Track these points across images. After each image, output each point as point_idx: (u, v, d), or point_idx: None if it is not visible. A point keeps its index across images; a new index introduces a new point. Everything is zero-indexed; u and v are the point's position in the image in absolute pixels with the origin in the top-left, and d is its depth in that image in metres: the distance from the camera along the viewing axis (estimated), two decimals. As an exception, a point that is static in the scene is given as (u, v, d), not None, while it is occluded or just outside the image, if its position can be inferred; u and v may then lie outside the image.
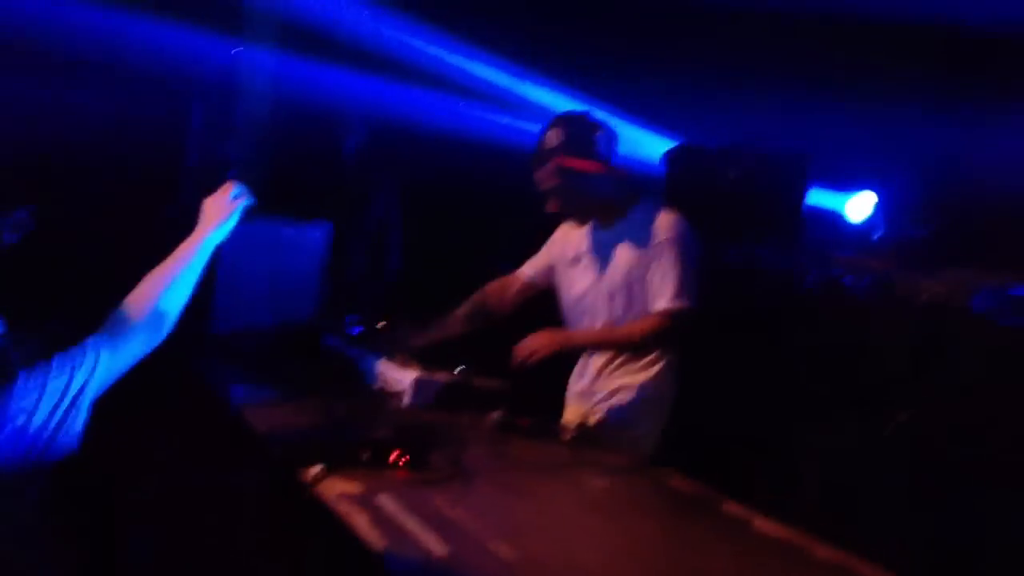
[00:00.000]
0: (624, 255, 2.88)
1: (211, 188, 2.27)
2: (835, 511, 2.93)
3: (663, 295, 2.77)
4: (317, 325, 3.25)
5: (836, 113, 4.77)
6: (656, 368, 2.88)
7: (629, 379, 2.89)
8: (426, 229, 4.75)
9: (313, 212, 3.78)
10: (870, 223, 4.71)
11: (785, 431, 3.45)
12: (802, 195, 4.61)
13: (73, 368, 1.83)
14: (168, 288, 2.02)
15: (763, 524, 2.11)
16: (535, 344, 2.77)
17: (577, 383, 3.03)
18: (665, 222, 2.84)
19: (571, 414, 2.97)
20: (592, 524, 2.10)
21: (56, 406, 1.80)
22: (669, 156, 4.64)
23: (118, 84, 3.95)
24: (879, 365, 3.34)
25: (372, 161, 4.65)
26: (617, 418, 2.87)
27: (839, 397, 3.38)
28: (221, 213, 2.19)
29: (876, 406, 3.32)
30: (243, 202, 2.24)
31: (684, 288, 2.75)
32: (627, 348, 2.87)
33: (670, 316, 2.76)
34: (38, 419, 1.77)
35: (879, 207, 4.68)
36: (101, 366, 1.86)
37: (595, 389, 2.95)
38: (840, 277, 3.86)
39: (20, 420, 1.76)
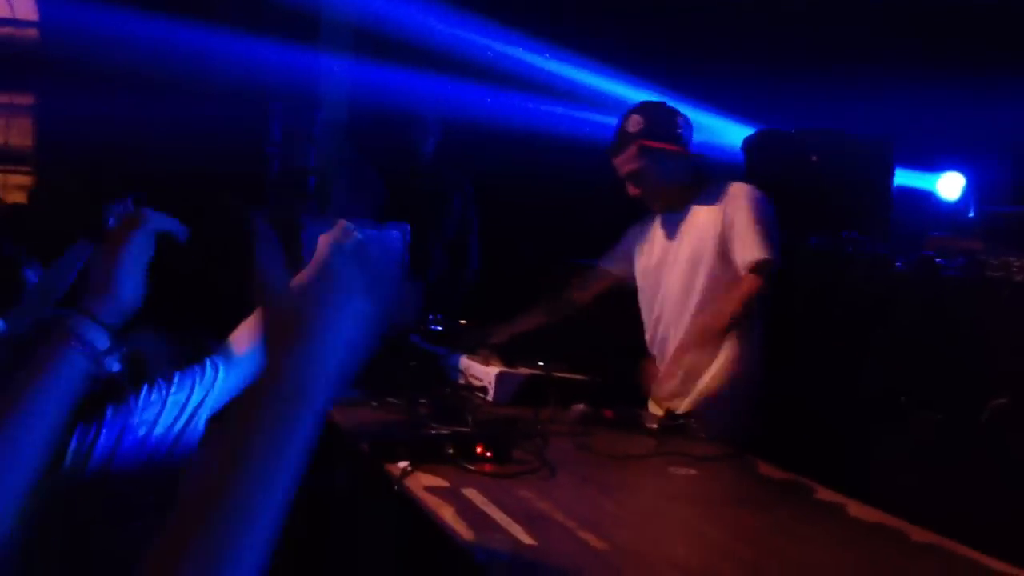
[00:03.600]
0: (697, 222, 2.90)
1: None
2: (929, 496, 2.83)
3: (749, 248, 2.74)
4: (400, 324, 3.29)
5: (921, 94, 4.66)
6: (737, 348, 2.83)
7: (711, 362, 2.84)
8: (503, 228, 4.76)
9: (392, 214, 3.83)
10: (962, 202, 4.56)
11: (879, 416, 3.36)
12: (889, 177, 4.49)
13: (194, 383, 1.91)
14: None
15: (857, 509, 2.06)
16: (661, 387, 2.80)
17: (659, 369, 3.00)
18: (737, 189, 2.87)
19: (656, 402, 2.95)
20: (680, 514, 2.08)
21: (176, 419, 1.88)
22: (748, 143, 4.56)
23: (204, 98, 4.07)
24: (975, 347, 3.23)
25: (449, 161, 4.68)
26: (704, 405, 2.84)
27: (934, 381, 3.28)
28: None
29: (973, 390, 3.20)
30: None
31: (769, 240, 2.73)
32: (734, 325, 2.77)
33: (763, 266, 2.71)
34: (158, 431, 1.85)
35: (969, 186, 4.53)
36: (220, 383, 1.95)
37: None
38: (933, 258, 3.73)
39: (142, 431, 1.84)
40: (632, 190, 2.97)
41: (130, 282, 1.41)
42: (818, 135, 4.47)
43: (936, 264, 3.60)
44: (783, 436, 2.85)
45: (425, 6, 4.86)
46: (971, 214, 4.45)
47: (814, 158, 4.35)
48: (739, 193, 2.85)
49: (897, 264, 3.82)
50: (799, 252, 3.98)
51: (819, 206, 4.27)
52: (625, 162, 2.94)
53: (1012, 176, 4.40)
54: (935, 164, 4.65)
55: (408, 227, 3.59)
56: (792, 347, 3.06)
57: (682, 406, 2.85)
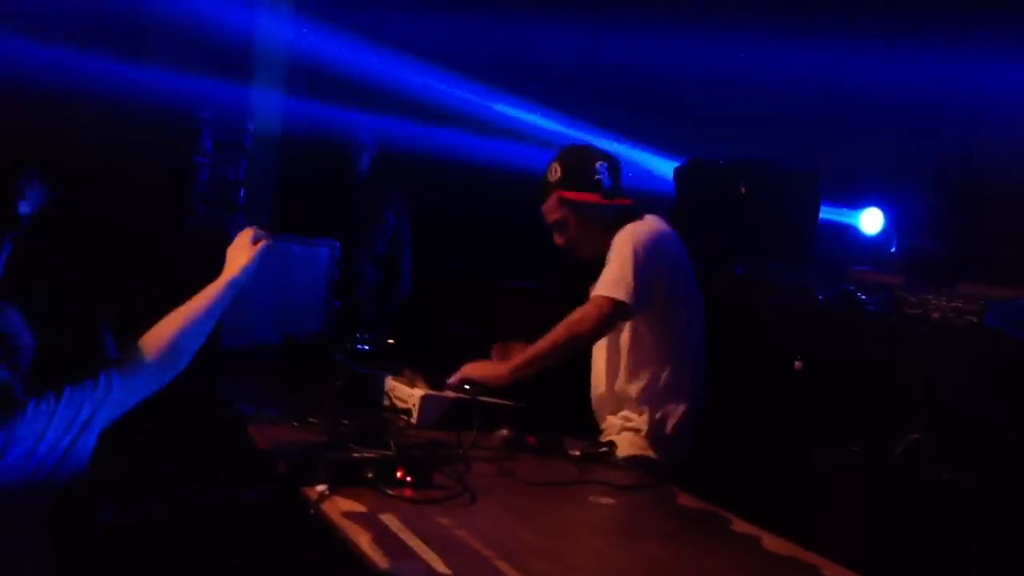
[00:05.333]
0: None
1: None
2: (844, 529, 2.89)
3: (599, 285, 2.80)
4: (324, 342, 3.25)
5: (846, 128, 4.77)
6: (658, 382, 2.88)
7: (634, 396, 2.90)
8: (433, 248, 4.76)
9: (323, 230, 3.80)
10: (883, 236, 4.67)
11: (798, 447, 3.42)
12: (815, 209, 4.58)
13: (84, 397, 1.91)
14: (188, 329, 2.12)
15: (773, 542, 2.08)
16: (468, 372, 2.84)
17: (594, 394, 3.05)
18: (620, 233, 2.87)
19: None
20: (598, 544, 2.09)
21: (65, 432, 1.87)
22: (678, 172, 4.62)
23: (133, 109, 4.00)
24: (891, 382, 3.31)
25: (383, 177, 4.67)
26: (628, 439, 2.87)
27: (849, 413, 3.35)
28: (244, 258, 2.28)
29: (889, 424, 3.28)
30: (264, 245, 2.32)
31: (615, 279, 2.76)
32: (567, 347, 2.81)
33: (599, 300, 2.77)
34: (46, 443, 1.85)
35: (891, 221, 4.65)
36: (113, 397, 1.95)
37: (604, 405, 2.98)
38: (854, 292, 3.82)
39: (28, 443, 1.81)
40: (557, 239, 2.99)
41: None
42: (747, 165, 4.53)
43: (856, 298, 3.69)
44: (710, 461, 2.89)
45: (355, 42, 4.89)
46: (893, 249, 4.56)
47: (743, 188, 4.42)
48: (618, 236, 2.87)
49: (819, 296, 3.90)
50: (724, 280, 4.05)
51: (746, 235, 4.34)
52: (548, 211, 2.97)
53: (933, 211, 4.52)
54: (858, 199, 4.76)
55: (338, 244, 3.58)
56: (719, 372, 3.09)
57: (605, 436, 2.88)
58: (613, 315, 2.78)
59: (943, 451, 3.02)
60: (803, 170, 4.59)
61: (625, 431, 2.90)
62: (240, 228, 2.39)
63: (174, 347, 2.08)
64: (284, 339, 3.22)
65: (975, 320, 3.10)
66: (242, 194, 4.43)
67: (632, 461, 2.77)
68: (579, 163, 2.96)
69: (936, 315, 3.20)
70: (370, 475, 2.18)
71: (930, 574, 2.71)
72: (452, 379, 2.87)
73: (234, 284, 2.23)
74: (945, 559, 2.69)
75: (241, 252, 2.29)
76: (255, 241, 2.31)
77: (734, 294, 3.94)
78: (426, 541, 1.86)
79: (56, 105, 3.80)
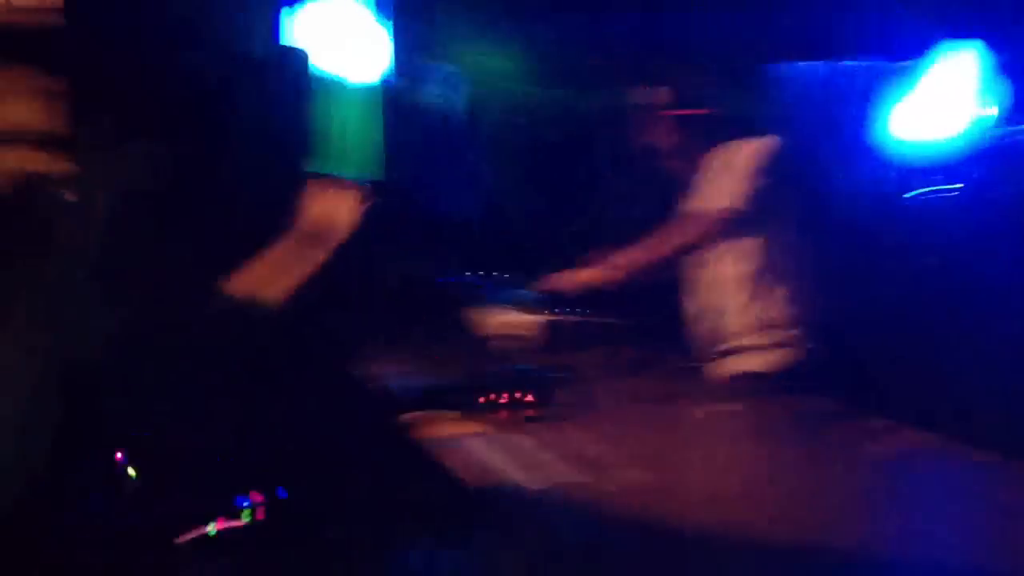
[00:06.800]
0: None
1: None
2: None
3: (701, 199, 2.77)
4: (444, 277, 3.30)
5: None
6: (779, 303, 2.80)
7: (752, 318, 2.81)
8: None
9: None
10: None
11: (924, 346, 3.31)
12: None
13: None
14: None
15: (902, 434, 2.05)
16: (566, 281, 2.79)
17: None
18: (725, 147, 2.82)
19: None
20: (724, 449, 2.08)
21: None
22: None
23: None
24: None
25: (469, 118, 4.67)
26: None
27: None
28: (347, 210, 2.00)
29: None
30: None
31: (721, 195, 2.73)
32: (673, 256, 2.81)
33: (699, 215, 2.75)
34: None
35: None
36: None
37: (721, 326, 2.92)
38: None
39: None
40: (654, 162, 3.00)
41: None
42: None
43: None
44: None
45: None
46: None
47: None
48: (721, 150, 2.85)
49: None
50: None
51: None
52: (644, 133, 2.99)
53: None
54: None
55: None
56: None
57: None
58: (720, 229, 2.74)
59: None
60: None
61: (750, 348, 2.83)
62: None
63: None
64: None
65: None
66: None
67: (751, 376, 2.74)
68: (688, 86, 2.94)
69: None
70: (494, 398, 2.23)
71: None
72: (554, 287, 2.84)
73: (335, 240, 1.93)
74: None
75: (342, 206, 1.99)
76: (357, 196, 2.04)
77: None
78: (551, 453, 1.90)
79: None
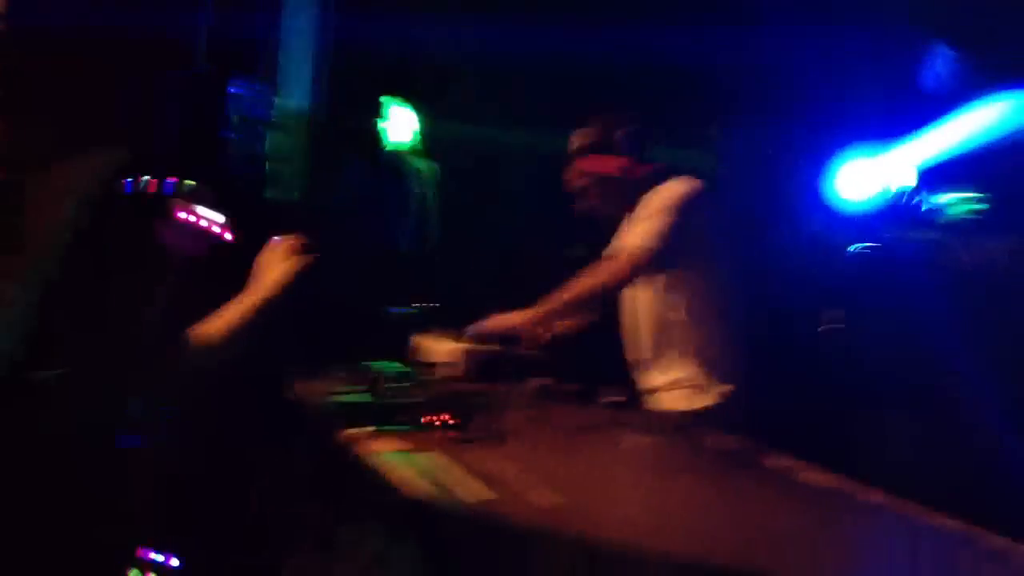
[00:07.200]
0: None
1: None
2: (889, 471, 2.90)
3: (624, 239, 2.83)
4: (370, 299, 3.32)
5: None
6: (697, 340, 2.86)
7: (670, 353, 2.88)
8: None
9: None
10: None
11: (848, 400, 3.43)
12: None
13: None
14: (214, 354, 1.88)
15: (806, 473, 2.10)
16: (496, 323, 2.83)
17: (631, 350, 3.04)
18: (652, 192, 2.87)
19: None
20: (631, 478, 2.13)
21: None
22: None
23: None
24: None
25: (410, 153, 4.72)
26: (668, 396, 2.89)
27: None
28: (279, 272, 2.01)
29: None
30: (305, 262, 2.03)
31: (642, 235, 2.77)
32: (591, 297, 2.85)
33: (620, 255, 2.80)
34: None
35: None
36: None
37: (641, 361, 2.98)
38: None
39: None
40: (580, 207, 3.06)
41: None
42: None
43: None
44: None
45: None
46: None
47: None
48: (648, 196, 2.92)
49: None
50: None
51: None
52: (571, 179, 3.05)
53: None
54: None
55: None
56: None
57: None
58: (637, 266, 2.78)
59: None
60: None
61: (668, 390, 2.90)
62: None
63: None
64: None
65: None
66: (266, 169, 4.45)
67: (669, 413, 2.79)
68: (602, 131, 2.99)
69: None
70: (412, 420, 2.25)
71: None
72: (479, 331, 2.87)
73: (267, 306, 1.94)
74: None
75: (278, 265, 2.01)
76: (293, 252, 2.04)
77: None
78: (465, 473, 1.91)
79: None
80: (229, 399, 2.21)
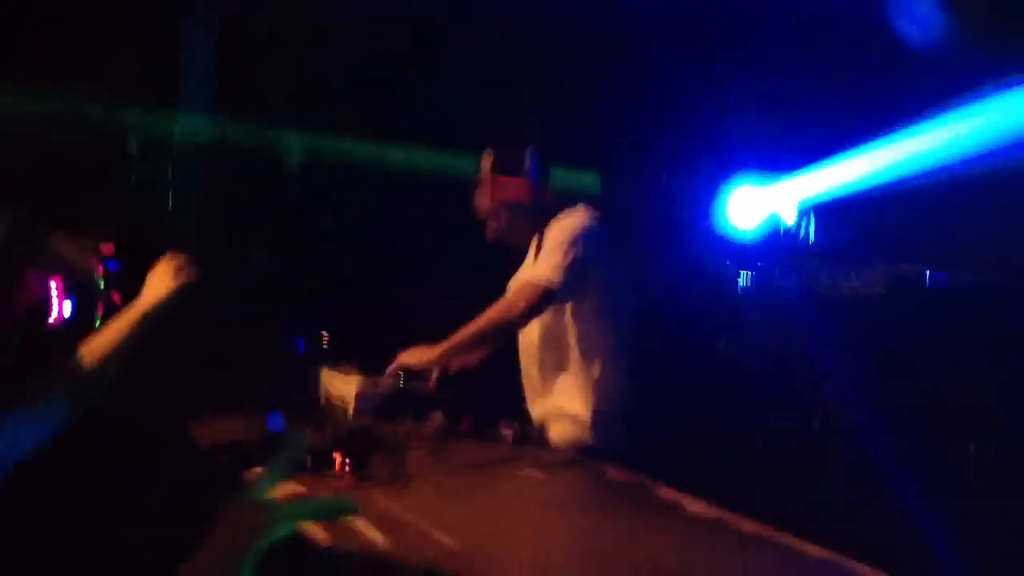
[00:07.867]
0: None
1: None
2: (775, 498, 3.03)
3: (528, 273, 2.89)
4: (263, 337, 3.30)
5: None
6: (590, 371, 2.91)
7: (566, 385, 2.94)
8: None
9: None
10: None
11: (731, 423, 3.55)
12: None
13: None
14: (100, 366, 1.85)
15: (693, 505, 2.20)
16: (403, 359, 2.84)
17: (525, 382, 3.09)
18: (555, 221, 2.93)
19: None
20: (529, 515, 2.18)
21: None
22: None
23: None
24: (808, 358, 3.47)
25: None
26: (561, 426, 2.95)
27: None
28: (163, 289, 2.02)
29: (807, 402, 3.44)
30: (187, 283, 2.05)
31: (546, 269, 2.80)
32: (495, 332, 2.88)
33: (524, 289, 2.83)
34: None
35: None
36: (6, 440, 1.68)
37: (536, 392, 3.05)
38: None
39: None
40: (487, 231, 3.08)
41: None
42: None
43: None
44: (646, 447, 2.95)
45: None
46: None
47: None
48: (551, 225, 2.98)
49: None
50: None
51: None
52: (479, 203, 3.06)
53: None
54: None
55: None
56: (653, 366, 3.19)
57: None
58: (541, 301, 2.81)
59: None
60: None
61: (558, 418, 2.96)
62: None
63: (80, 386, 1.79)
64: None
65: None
66: (168, 198, 4.41)
67: (564, 445, 2.86)
68: (510, 155, 3.01)
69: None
70: (309, 464, 2.24)
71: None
72: (389, 368, 2.90)
73: (146, 320, 1.93)
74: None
75: (161, 281, 2.02)
76: (178, 270, 2.05)
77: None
78: (365, 518, 1.94)
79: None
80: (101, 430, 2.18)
